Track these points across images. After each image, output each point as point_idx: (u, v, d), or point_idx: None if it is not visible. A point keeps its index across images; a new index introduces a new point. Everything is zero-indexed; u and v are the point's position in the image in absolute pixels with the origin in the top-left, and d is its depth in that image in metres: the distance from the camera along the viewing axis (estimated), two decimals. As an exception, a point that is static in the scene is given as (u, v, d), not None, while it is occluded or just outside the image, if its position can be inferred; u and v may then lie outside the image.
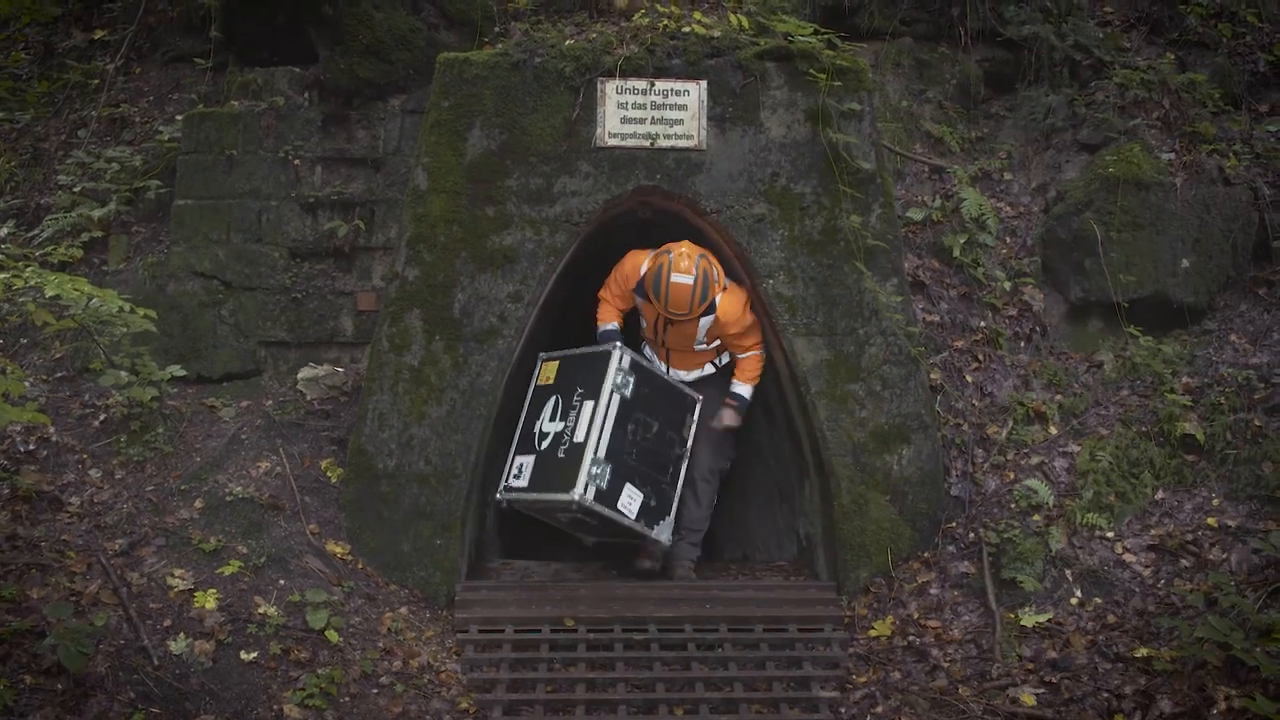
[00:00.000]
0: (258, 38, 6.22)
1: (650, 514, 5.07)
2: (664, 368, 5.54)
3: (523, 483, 5.16)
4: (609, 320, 5.51)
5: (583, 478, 4.82)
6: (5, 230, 6.19)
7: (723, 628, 4.90)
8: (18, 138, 6.85)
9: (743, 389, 5.49)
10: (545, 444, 5.19)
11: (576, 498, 4.82)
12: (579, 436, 5.01)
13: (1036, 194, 6.30)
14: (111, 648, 4.20)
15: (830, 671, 4.62)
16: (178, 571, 4.66)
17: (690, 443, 5.33)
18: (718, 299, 5.16)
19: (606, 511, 4.91)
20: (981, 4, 6.68)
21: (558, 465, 5.03)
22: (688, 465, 5.32)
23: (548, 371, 5.47)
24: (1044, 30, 6.56)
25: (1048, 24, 6.61)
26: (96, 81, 6.96)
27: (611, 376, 5.06)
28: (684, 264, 5.04)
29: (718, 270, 5.17)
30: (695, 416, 5.37)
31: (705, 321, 5.23)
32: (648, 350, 5.67)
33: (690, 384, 5.48)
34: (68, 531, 4.75)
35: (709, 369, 5.58)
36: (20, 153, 6.73)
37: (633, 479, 5.02)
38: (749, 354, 5.45)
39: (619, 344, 5.20)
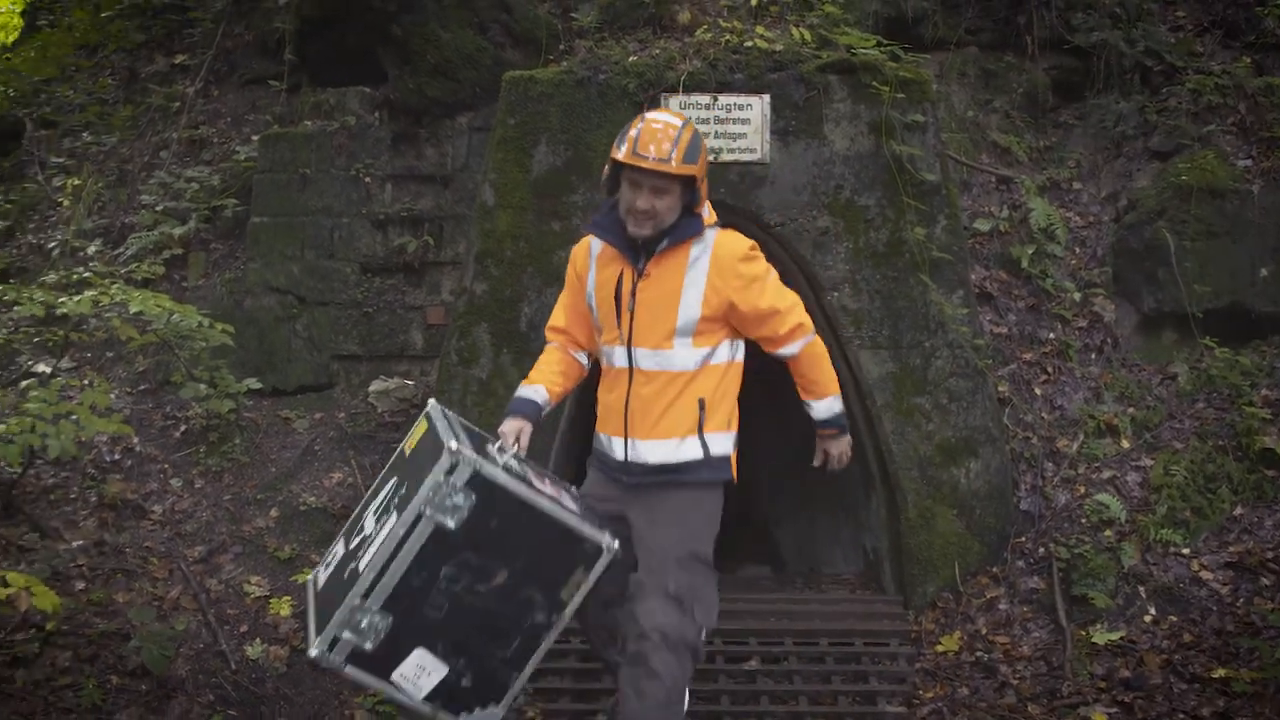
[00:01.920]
0: (330, 59, 6.39)
1: (458, 697, 3.31)
2: (622, 446, 3.44)
3: (320, 582, 3.45)
4: (536, 379, 3.57)
5: (330, 630, 3.12)
6: (93, 248, 6.43)
7: (788, 642, 4.89)
8: (104, 160, 7.11)
9: (827, 405, 3.55)
10: (354, 544, 3.36)
11: (314, 655, 3.16)
12: (363, 563, 3.18)
13: (1107, 203, 6.21)
14: (192, 651, 4.35)
15: (897, 686, 4.58)
16: (254, 579, 4.80)
17: (570, 610, 3.27)
18: (711, 233, 3.37)
19: (369, 680, 3.22)
20: (1048, 12, 6.60)
21: (337, 589, 3.26)
22: (650, 554, 3.38)
23: (416, 434, 3.53)
24: (1113, 36, 6.47)
25: (1117, 30, 6.51)
26: (177, 104, 7.20)
27: (424, 492, 3.08)
28: (669, 112, 3.58)
29: (705, 158, 3.37)
30: (595, 573, 3.26)
31: (697, 271, 3.33)
32: (602, 437, 3.56)
33: (655, 470, 3.41)
34: (151, 538, 4.92)
35: (691, 448, 3.38)
36: (107, 174, 6.99)
37: (432, 643, 3.24)
38: (799, 341, 3.43)
39: (458, 448, 3.05)
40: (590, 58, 5.51)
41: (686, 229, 3.33)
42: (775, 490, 7.63)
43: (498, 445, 3.29)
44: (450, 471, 3.08)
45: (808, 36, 5.53)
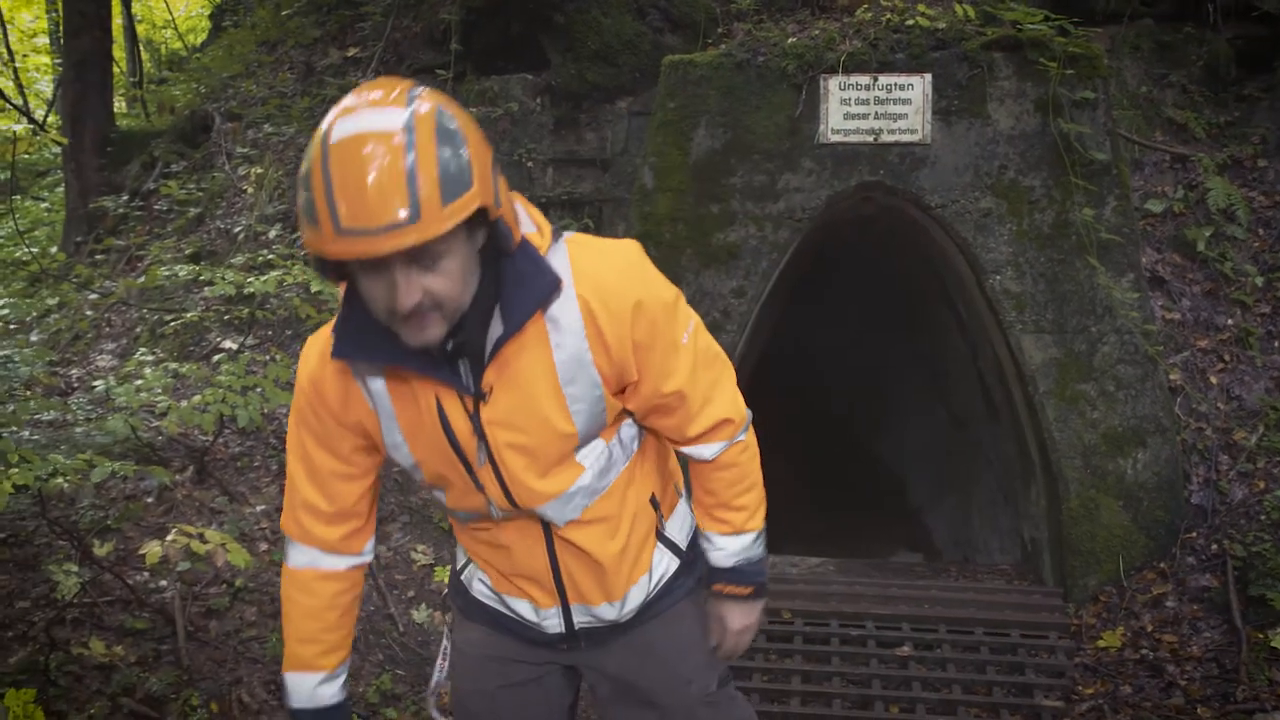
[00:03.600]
0: (493, 48, 6.60)
1: None
2: (559, 617, 2.13)
3: None
4: (317, 659, 2.06)
5: None
6: (274, 232, 6.83)
7: (942, 629, 4.83)
8: (284, 149, 7.53)
9: (740, 545, 2.17)
10: None
11: None
12: None
13: (1296, 182, 5.83)
14: (363, 613, 4.60)
15: (1054, 680, 4.47)
16: (420, 547, 5.04)
17: None
18: (561, 247, 1.85)
19: None
20: (1234, -23, 6.23)
21: None
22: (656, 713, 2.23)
23: None
24: (1309, 0, 6.05)
25: (1313, -7, 6.09)
26: (350, 95, 7.55)
27: None
28: (373, 94, 1.63)
29: (483, 152, 1.68)
30: None
31: (567, 337, 1.83)
32: (500, 599, 2.18)
33: (627, 621, 2.16)
34: (326, 506, 5.22)
35: (663, 564, 2.19)
36: (286, 163, 7.40)
37: None
38: (720, 443, 2.06)
39: None
40: (749, 40, 5.52)
41: (526, 290, 1.79)
42: (927, 475, 7.51)
43: None
44: None
45: (971, 13, 5.39)
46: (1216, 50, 6.22)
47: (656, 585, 2.16)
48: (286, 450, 1.99)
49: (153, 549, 3.44)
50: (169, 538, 3.51)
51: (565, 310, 1.81)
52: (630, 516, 2.07)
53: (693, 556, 2.23)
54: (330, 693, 2.06)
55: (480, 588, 2.17)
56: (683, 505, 2.25)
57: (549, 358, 1.83)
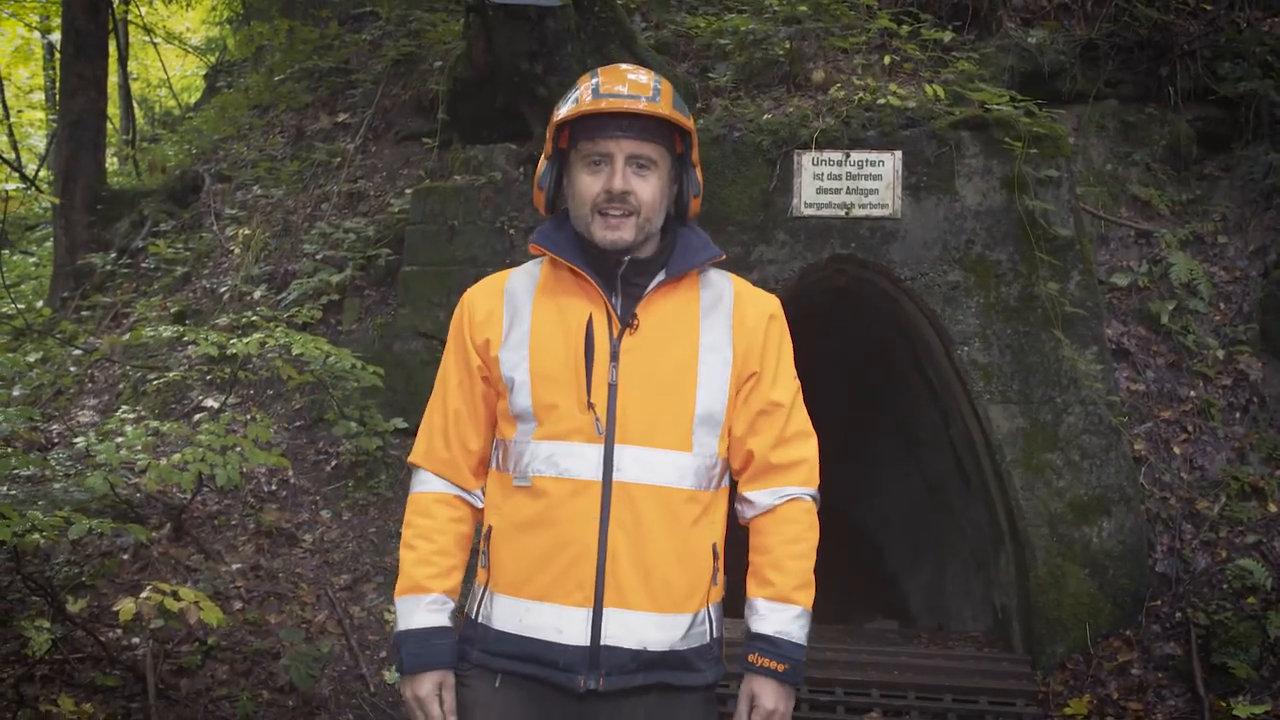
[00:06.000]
0: (479, 118, 6.77)
1: None
2: (586, 623, 2.04)
3: None
4: (430, 581, 2.15)
5: None
6: (259, 293, 6.93)
7: (910, 695, 4.86)
8: (271, 211, 7.66)
9: (789, 617, 2.16)
10: None
11: None
12: None
13: (1255, 257, 6.01)
14: (335, 673, 4.62)
15: (1022, 747, 4.51)
16: (393, 608, 5.06)
17: None
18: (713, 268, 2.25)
19: None
20: (1193, 62, 6.49)
21: None
22: None
23: None
24: (1263, 86, 6.30)
25: (1267, 79, 6.34)
26: (338, 160, 7.71)
27: None
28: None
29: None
30: None
31: (717, 322, 2.16)
32: (517, 607, 2.08)
33: (650, 665, 2.07)
34: (301, 565, 5.25)
35: (700, 628, 2.13)
36: (273, 224, 7.53)
37: None
38: (794, 489, 2.19)
39: None
40: (726, 115, 5.70)
41: (692, 249, 2.18)
42: (903, 542, 7.56)
43: None
44: None
45: (941, 93, 5.59)
46: (1178, 131, 6.46)
47: (686, 644, 2.10)
48: (435, 384, 2.28)
49: (126, 605, 3.48)
50: (143, 594, 3.55)
51: (720, 282, 2.22)
52: (696, 537, 2.10)
53: (718, 654, 2.20)
54: (435, 617, 2.14)
55: (501, 612, 2.10)
56: (720, 605, 2.23)
57: (695, 310, 2.15)
